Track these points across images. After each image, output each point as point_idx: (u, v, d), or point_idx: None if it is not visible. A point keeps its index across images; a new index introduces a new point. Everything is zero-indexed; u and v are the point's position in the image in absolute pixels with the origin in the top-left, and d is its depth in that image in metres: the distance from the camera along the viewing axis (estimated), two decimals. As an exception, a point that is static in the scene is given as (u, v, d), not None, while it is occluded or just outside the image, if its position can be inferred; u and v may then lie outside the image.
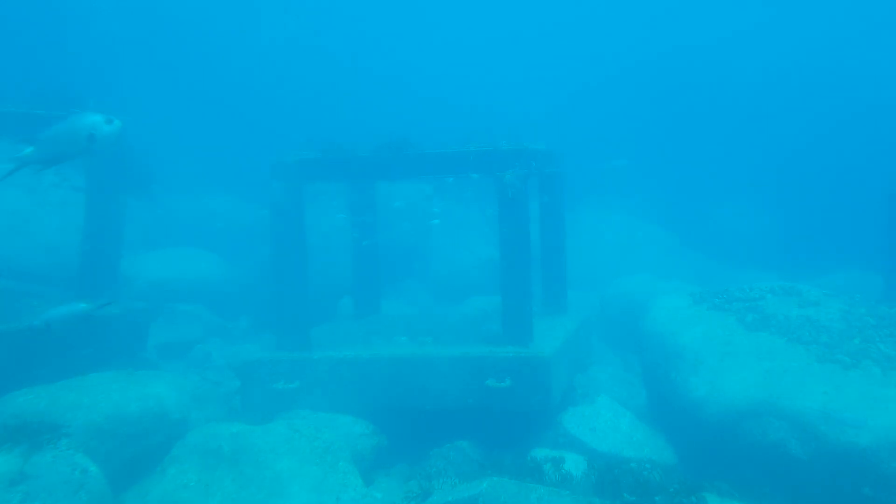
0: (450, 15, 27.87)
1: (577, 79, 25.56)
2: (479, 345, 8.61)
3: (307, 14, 27.07)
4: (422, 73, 26.59)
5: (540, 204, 10.66)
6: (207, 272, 14.90)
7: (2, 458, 5.86)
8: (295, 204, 9.01)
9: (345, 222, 11.29)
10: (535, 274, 9.27)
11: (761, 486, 6.97)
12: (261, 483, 6.61)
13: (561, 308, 10.67)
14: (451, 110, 22.54)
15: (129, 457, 7.02)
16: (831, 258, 16.01)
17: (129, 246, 11.72)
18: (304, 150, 9.09)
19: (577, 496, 5.97)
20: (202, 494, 6.51)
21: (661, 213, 19.29)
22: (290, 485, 6.63)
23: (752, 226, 19.49)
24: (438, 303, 14.62)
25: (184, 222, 17.50)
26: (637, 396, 9.62)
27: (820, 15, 23.66)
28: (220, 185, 19.27)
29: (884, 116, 19.45)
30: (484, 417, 8.18)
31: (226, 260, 15.58)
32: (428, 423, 8.23)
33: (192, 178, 19.26)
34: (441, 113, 22.25)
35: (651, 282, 13.39)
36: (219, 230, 17.16)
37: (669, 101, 23.21)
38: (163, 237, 16.25)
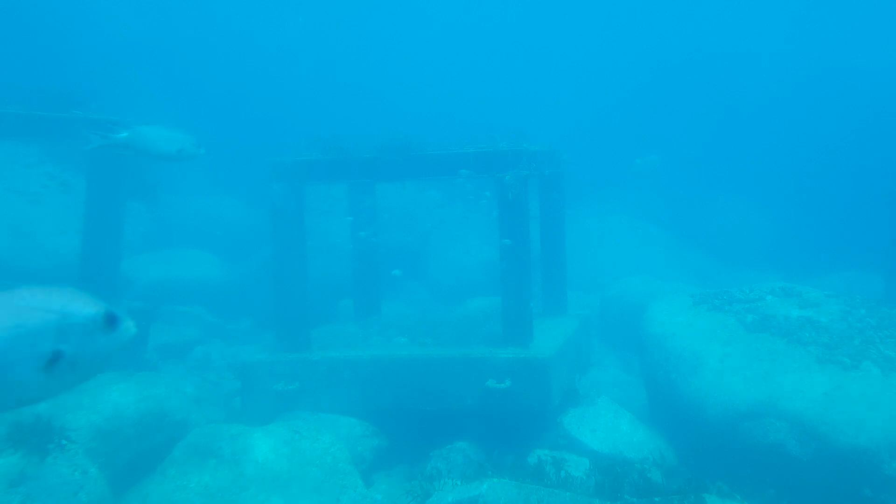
0: (461, 10, 27.58)
1: (586, 75, 25.36)
2: (479, 346, 8.61)
3: (308, 12, 27.03)
4: (434, 70, 26.37)
5: (540, 205, 10.66)
6: (207, 273, 14.89)
7: (2, 460, 5.86)
8: (295, 205, 9.01)
9: (348, 224, 11.29)
10: (535, 275, 9.26)
11: (762, 486, 6.97)
12: (261, 484, 6.61)
13: (561, 309, 10.67)
14: (463, 107, 22.37)
15: (130, 458, 7.02)
16: (832, 258, 16.00)
17: (129, 247, 11.72)
18: (303, 151, 9.09)
19: (577, 497, 5.97)
20: (202, 496, 6.51)
21: (660, 213, 19.28)
22: (291, 486, 6.63)
23: (753, 226, 19.48)
24: (438, 304, 14.61)
25: (184, 223, 17.49)
26: (637, 397, 9.61)
27: (822, 17, 23.67)
28: (220, 185, 19.27)
29: (885, 116, 19.45)
30: (484, 418, 8.18)
31: (226, 261, 15.57)
32: (428, 424, 8.23)
33: (191, 179, 19.25)
34: (452, 110, 22.12)
35: (651, 283, 13.39)
36: (219, 231, 17.16)
37: (670, 102, 23.19)
38: (163, 238, 16.24)
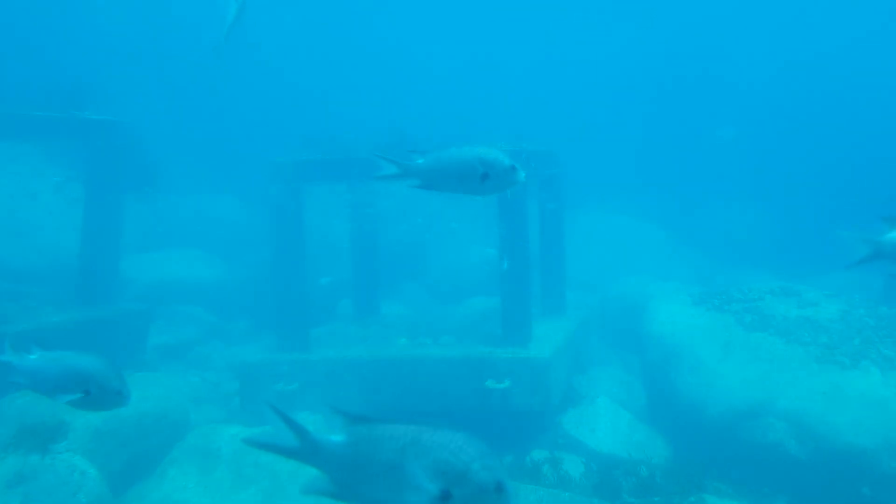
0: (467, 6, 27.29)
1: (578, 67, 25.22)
2: (478, 346, 8.61)
3: (308, 8, 26.92)
4: (437, 68, 26.20)
5: (539, 205, 10.66)
6: (206, 273, 14.89)
7: (0, 461, 5.87)
8: (294, 205, 9.01)
9: (348, 225, 11.25)
10: (535, 275, 9.26)
11: (760, 486, 6.98)
12: (260, 484, 6.61)
13: (560, 309, 10.67)
14: (466, 106, 22.22)
15: (129, 458, 7.01)
16: (831, 258, 15.95)
17: (128, 247, 11.72)
18: (301, 151, 9.08)
19: (576, 497, 5.97)
20: (201, 496, 6.51)
21: (659, 212, 19.27)
22: (290, 486, 6.62)
23: (752, 226, 19.47)
24: (437, 304, 14.61)
25: (183, 223, 17.48)
26: (636, 397, 9.61)
27: (821, 14, 23.64)
28: (220, 185, 19.23)
29: (884, 115, 19.44)
30: (483, 419, 8.16)
31: (225, 261, 15.56)
32: (427, 424, 8.22)
33: (190, 178, 19.23)
34: (456, 108, 21.99)
35: (650, 283, 13.38)
36: (218, 231, 17.14)
37: (665, 97, 23.16)
38: (162, 238, 16.23)
